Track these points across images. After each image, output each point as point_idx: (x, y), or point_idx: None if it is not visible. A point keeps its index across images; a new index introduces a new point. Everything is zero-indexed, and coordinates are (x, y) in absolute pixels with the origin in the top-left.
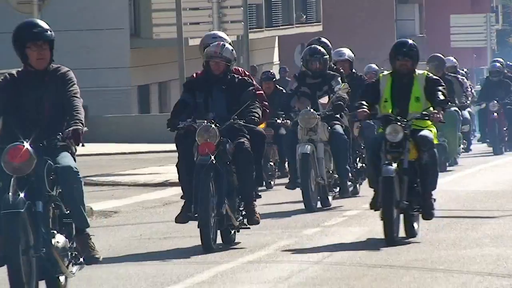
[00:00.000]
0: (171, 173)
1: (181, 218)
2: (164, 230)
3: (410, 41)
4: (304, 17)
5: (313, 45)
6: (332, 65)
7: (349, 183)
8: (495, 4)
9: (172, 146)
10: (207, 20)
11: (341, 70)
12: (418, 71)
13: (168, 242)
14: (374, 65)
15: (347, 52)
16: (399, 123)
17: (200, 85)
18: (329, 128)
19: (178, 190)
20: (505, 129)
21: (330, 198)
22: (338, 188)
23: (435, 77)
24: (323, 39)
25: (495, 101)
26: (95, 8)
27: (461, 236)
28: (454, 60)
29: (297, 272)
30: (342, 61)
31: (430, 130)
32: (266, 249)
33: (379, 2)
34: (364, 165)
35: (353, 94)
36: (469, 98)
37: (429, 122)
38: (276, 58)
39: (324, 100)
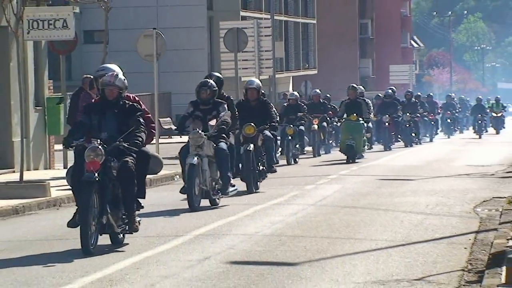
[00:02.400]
0: None
1: (72, 223)
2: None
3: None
4: (307, 65)
5: (204, 79)
6: (223, 94)
7: (231, 188)
8: (415, 58)
9: None
10: (252, 66)
11: (231, 98)
12: None
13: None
14: (295, 92)
15: (256, 81)
16: None
17: (96, 109)
18: (215, 145)
19: None
20: (393, 133)
21: (216, 199)
22: (231, 189)
23: None
24: (216, 74)
25: (387, 115)
26: (186, 56)
27: (394, 190)
28: (363, 88)
29: (301, 210)
30: (251, 88)
31: None
32: (283, 197)
33: (350, 57)
34: (264, 168)
35: (262, 113)
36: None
37: None
38: (290, 89)
39: (213, 122)
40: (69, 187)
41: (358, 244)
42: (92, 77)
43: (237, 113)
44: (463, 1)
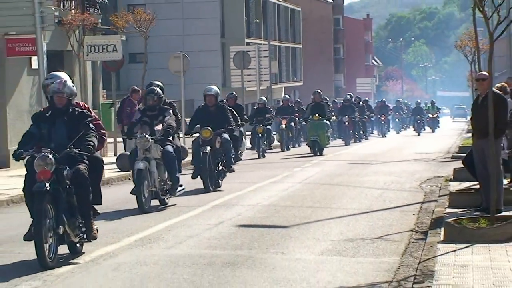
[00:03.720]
0: None
1: (28, 237)
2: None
3: None
4: (295, 78)
5: (150, 87)
6: (165, 100)
7: (179, 188)
8: (375, 73)
9: None
10: (253, 79)
11: (173, 104)
12: None
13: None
14: (264, 98)
15: (214, 88)
16: None
17: (45, 118)
18: (162, 148)
19: None
20: (351, 131)
21: (165, 198)
22: (179, 189)
23: None
24: (157, 82)
25: (346, 116)
26: (205, 72)
27: (360, 172)
28: (319, 91)
29: (291, 186)
30: (209, 95)
31: None
32: (277, 177)
33: (327, 72)
34: (224, 167)
35: (220, 117)
36: (333, 114)
37: None
38: (282, 96)
39: (159, 127)
40: (118, 170)
41: (333, 212)
42: (135, 87)
43: (180, 116)
44: (411, 31)
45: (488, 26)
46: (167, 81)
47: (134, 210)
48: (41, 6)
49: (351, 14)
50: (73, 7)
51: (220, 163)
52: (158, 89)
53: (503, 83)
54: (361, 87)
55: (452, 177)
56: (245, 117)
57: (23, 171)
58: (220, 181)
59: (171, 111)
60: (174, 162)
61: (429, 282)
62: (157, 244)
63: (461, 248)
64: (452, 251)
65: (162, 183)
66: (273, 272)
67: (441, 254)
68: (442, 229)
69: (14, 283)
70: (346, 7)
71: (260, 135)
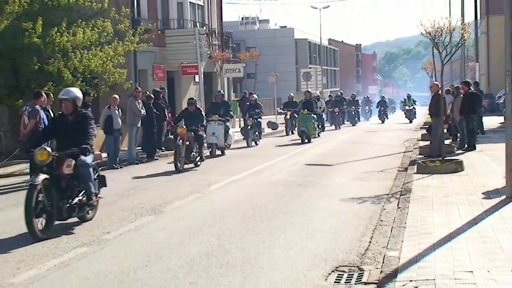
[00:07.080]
0: None
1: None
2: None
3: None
4: (335, 86)
5: None
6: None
7: None
8: (379, 83)
9: None
10: (313, 86)
11: None
12: None
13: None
14: (255, 95)
15: (73, 92)
16: None
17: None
18: None
19: None
20: (341, 118)
21: None
22: None
23: None
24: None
25: (337, 108)
26: (286, 83)
27: (369, 136)
28: (318, 93)
29: (331, 145)
30: (64, 99)
31: None
32: (288, 154)
33: (352, 83)
34: (82, 199)
35: (77, 131)
36: (323, 109)
37: None
38: (326, 98)
39: None
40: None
41: (356, 157)
42: (246, 91)
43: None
44: (397, 60)
45: (441, 57)
46: (267, 88)
47: (249, 158)
48: (200, 48)
49: (365, 51)
50: (217, 49)
51: (75, 195)
52: None
53: (448, 88)
54: (371, 91)
55: (420, 138)
56: (231, 113)
57: None
58: (87, 215)
59: None
60: None
61: (409, 194)
62: (262, 174)
63: (426, 177)
64: (421, 178)
65: None
66: (325, 189)
67: (415, 180)
68: (415, 166)
69: (186, 194)
70: (363, 48)
71: (249, 127)
